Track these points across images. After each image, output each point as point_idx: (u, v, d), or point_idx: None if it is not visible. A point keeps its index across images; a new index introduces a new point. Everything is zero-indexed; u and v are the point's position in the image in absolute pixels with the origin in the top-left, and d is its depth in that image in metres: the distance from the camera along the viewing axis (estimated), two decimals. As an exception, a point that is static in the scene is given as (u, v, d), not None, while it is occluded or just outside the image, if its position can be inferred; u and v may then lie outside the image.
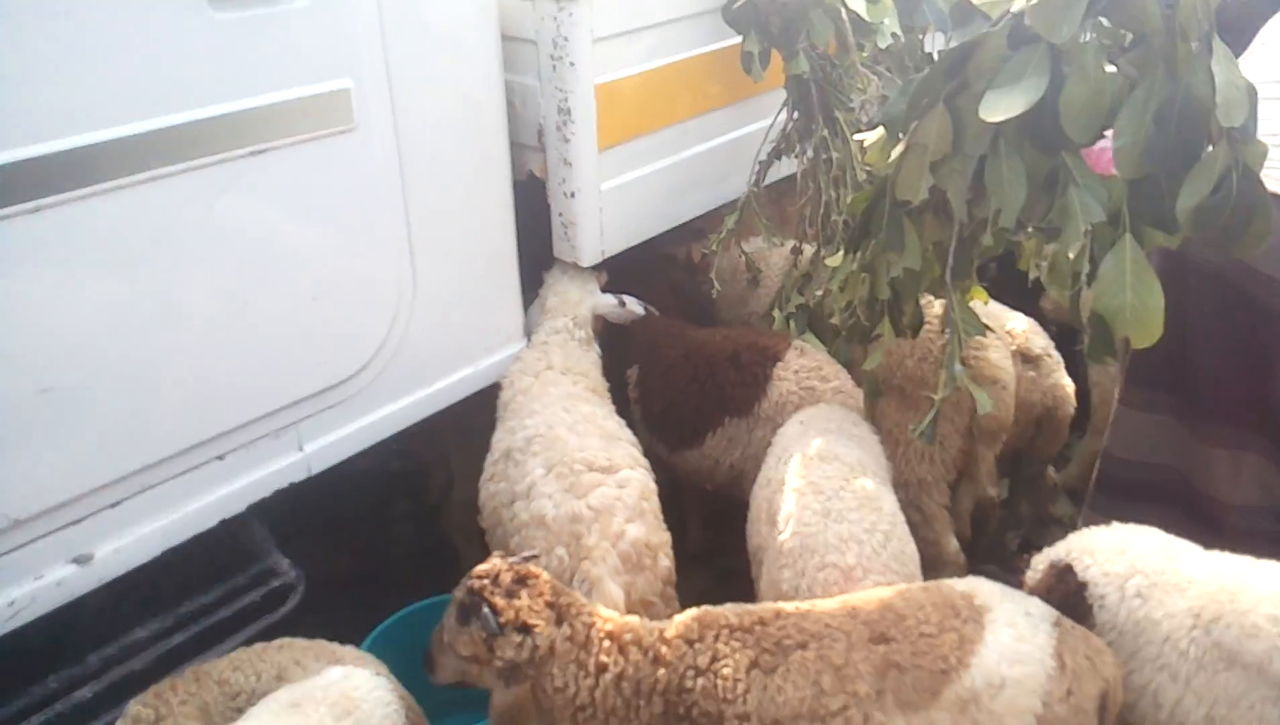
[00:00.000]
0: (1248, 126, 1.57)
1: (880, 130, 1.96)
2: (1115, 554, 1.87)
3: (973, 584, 1.77)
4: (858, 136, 2.20)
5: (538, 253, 2.57)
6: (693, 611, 1.72)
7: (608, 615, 1.72)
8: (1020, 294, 2.96)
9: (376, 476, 2.87)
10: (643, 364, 2.65)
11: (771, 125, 2.68)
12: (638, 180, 2.54)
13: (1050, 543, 3.09)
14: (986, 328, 2.08)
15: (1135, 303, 1.65)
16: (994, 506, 2.78)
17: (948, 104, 1.76)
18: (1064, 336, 3.00)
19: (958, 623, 1.66)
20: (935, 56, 3.11)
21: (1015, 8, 1.69)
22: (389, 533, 3.11)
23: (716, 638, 1.66)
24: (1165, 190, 1.63)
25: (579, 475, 1.95)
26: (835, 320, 2.54)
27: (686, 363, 2.56)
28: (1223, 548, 1.95)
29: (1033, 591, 1.95)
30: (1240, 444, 2.25)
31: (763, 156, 2.69)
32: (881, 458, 2.25)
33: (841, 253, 2.25)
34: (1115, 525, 1.97)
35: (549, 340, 2.46)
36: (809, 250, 2.73)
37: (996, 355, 2.47)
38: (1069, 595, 1.88)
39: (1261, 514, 2.25)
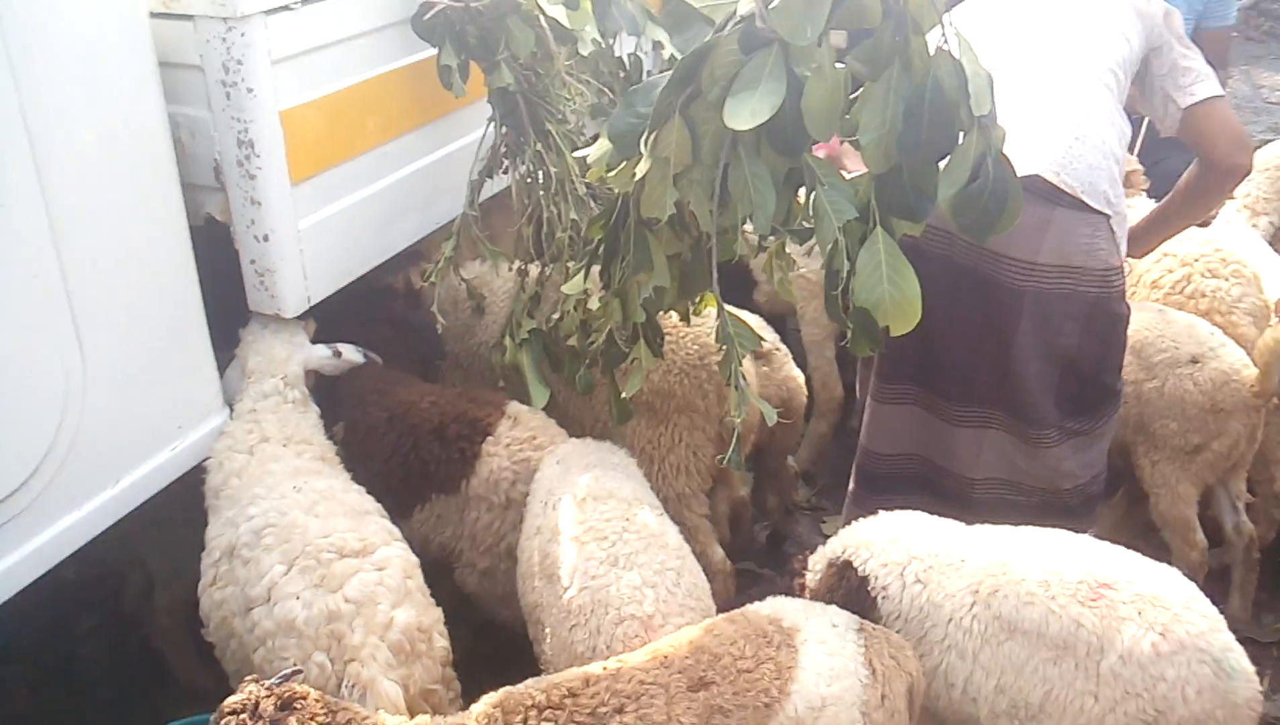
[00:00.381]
0: (992, 112, 1.61)
1: (603, 145, 1.86)
2: (890, 543, 1.89)
3: (776, 606, 1.71)
4: (578, 153, 2.08)
5: (229, 307, 2.23)
6: (490, 698, 1.53)
7: (394, 721, 1.49)
8: (732, 289, 2.99)
9: (49, 590, 2.41)
10: (348, 423, 2.38)
11: (482, 140, 2.49)
12: (340, 213, 2.27)
13: (796, 530, 3.22)
14: (760, 338, 2.04)
15: (894, 292, 1.67)
16: (745, 506, 2.79)
17: (682, 114, 1.69)
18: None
19: (771, 650, 1.58)
20: (626, 61, 3.10)
21: (743, 11, 1.64)
22: (75, 655, 2.63)
23: (525, 722, 1.48)
24: (908, 181, 1.65)
25: (329, 565, 1.68)
26: (573, 342, 2.42)
27: (390, 429, 2.31)
28: (970, 519, 2.03)
29: (815, 592, 1.94)
30: (982, 422, 2.38)
31: (474, 175, 2.50)
32: (646, 482, 2.15)
33: (581, 277, 2.14)
34: (882, 515, 1.98)
35: (258, 407, 2.14)
36: (534, 270, 2.58)
37: (748, 364, 2.45)
38: (852, 591, 1.88)
39: (1002, 484, 2.40)
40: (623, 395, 2.21)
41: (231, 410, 2.17)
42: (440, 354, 2.64)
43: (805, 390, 2.84)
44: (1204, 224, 3.34)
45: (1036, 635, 1.72)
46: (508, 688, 1.54)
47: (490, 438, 2.26)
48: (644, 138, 1.74)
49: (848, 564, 1.90)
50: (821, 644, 1.61)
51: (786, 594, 1.94)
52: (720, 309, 1.93)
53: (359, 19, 2.22)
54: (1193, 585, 1.75)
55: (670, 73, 1.71)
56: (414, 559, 1.82)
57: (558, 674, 1.57)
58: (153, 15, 1.91)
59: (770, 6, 1.57)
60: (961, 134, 1.62)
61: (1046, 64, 2.25)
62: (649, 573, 1.80)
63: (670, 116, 1.70)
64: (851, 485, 2.63)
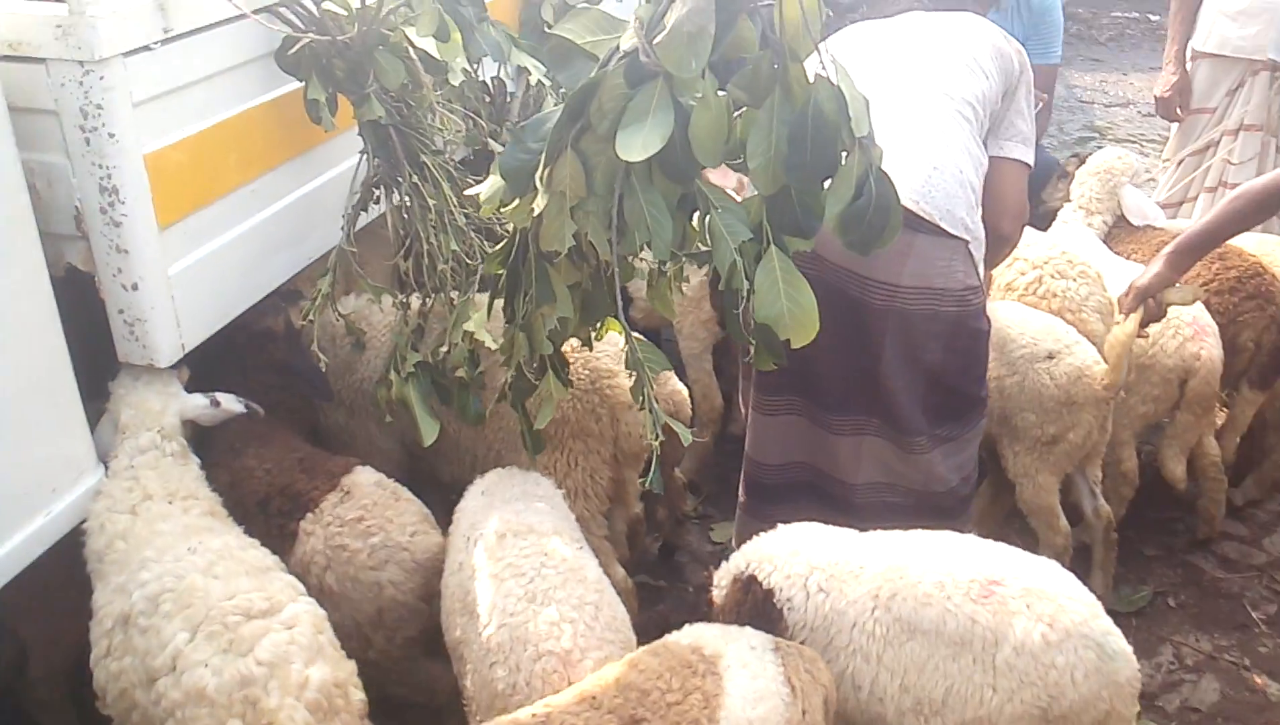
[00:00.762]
0: (871, 133, 1.71)
1: (495, 181, 1.87)
2: (791, 556, 1.96)
3: (695, 634, 1.75)
4: (470, 191, 2.08)
5: (96, 359, 2.12)
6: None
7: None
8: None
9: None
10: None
11: (357, 170, 2.44)
12: (211, 256, 2.18)
13: (687, 540, 3.27)
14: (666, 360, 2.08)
15: (792, 307, 1.75)
16: (640, 522, 2.82)
17: (575, 148, 1.72)
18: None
19: (697, 680, 1.62)
20: (490, 85, 3.09)
21: (626, 46, 1.68)
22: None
23: (455, 774, 1.47)
24: (797, 201, 1.75)
25: (236, 629, 1.62)
26: (462, 373, 2.41)
27: (230, 495, 2.18)
28: (853, 523, 2.13)
29: (722, 607, 1.99)
30: (859, 430, 2.49)
31: (349, 209, 2.45)
32: (569, 513, 2.16)
33: (484, 314, 2.20)
34: (781, 529, 2.05)
35: (135, 463, 2.04)
36: (415, 303, 2.55)
37: (625, 379, 2.48)
38: (758, 604, 1.94)
39: (881, 488, 2.51)
40: (535, 427, 2.22)
41: (107, 468, 2.07)
42: (328, 396, 2.57)
43: (689, 403, 2.90)
44: (1045, 226, 3.58)
45: (935, 634, 1.82)
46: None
47: (310, 515, 2.13)
48: (538, 173, 1.77)
49: (752, 578, 1.95)
50: (744, 668, 1.66)
51: (691, 608, 1.99)
52: (627, 335, 1.96)
53: (221, 56, 2.14)
54: (1071, 576, 1.89)
55: (560, 108, 1.74)
56: (322, 613, 1.78)
57: (490, 723, 1.56)
58: (-1, 58, 1.82)
59: (654, 42, 1.62)
60: (844, 154, 1.71)
61: (906, 96, 2.36)
62: (567, 608, 1.81)
63: (563, 151, 1.74)
64: (741, 497, 2.70)
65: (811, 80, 1.68)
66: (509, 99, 3.26)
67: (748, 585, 1.95)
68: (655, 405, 1.95)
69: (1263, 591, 3.12)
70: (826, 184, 1.75)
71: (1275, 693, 2.76)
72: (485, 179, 2.55)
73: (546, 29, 3.34)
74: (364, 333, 2.64)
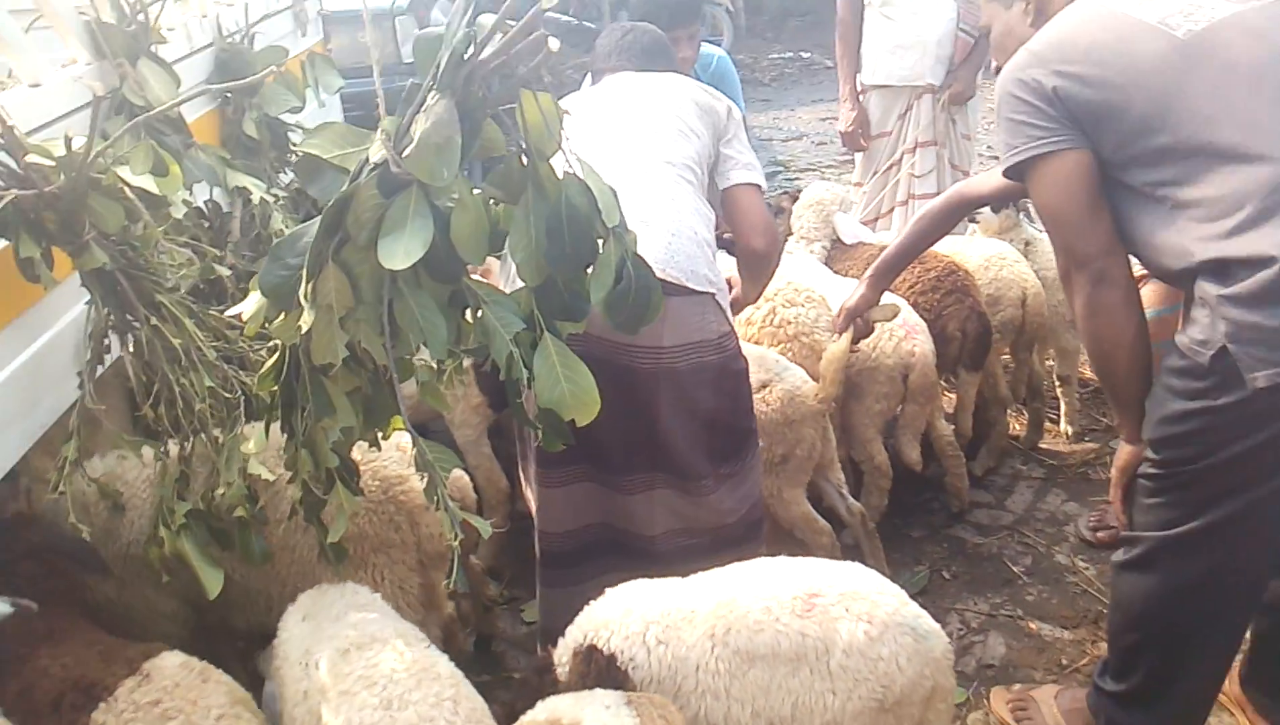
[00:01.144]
0: (622, 221, 1.84)
1: (256, 300, 1.85)
2: (625, 616, 2.02)
3: (550, 707, 1.78)
4: (231, 311, 2.02)
5: None
6: None
7: None
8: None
9: None
10: None
11: (87, 322, 2.29)
12: (-63, 446, 1.98)
13: (500, 627, 3.23)
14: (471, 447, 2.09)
15: (572, 388, 1.83)
16: (454, 622, 2.79)
17: (336, 260, 1.73)
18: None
19: None
20: (205, 210, 2.99)
21: (375, 158, 1.72)
22: None
23: None
24: (564, 288, 1.85)
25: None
26: (241, 512, 2.30)
27: (20, 705, 1.97)
28: (657, 569, 2.22)
29: (568, 683, 2.01)
30: (648, 485, 2.60)
31: (86, 365, 2.28)
32: (398, 615, 2.13)
33: (262, 436, 2.15)
34: (608, 593, 2.11)
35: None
36: (174, 450, 2.40)
37: (417, 482, 2.45)
38: (602, 670, 1.98)
39: (677, 534, 2.63)
40: (330, 538, 2.16)
41: None
42: (103, 569, 2.35)
43: (473, 491, 2.90)
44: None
45: (772, 656, 1.93)
46: None
47: (103, 705, 1.93)
48: (301, 289, 1.75)
49: (592, 648, 1.99)
50: (604, 725, 1.69)
51: (534, 691, 2.00)
52: (414, 437, 1.96)
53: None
54: (875, 573, 2.05)
55: (313, 223, 1.75)
56: None
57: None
58: None
59: (404, 155, 1.66)
60: (600, 242, 1.82)
61: (633, 169, 2.53)
62: (425, 707, 1.79)
63: (325, 264, 1.75)
64: (539, 568, 2.73)
65: (561, 176, 1.79)
66: (227, 220, 3.17)
67: (589, 655, 1.98)
68: (450, 504, 1.95)
69: (1017, 547, 3.50)
70: (590, 270, 1.85)
71: (1048, 633, 3.09)
72: (225, 307, 2.51)
73: (249, 144, 3.30)
74: (120, 493, 2.46)
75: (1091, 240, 2.16)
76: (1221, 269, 1.92)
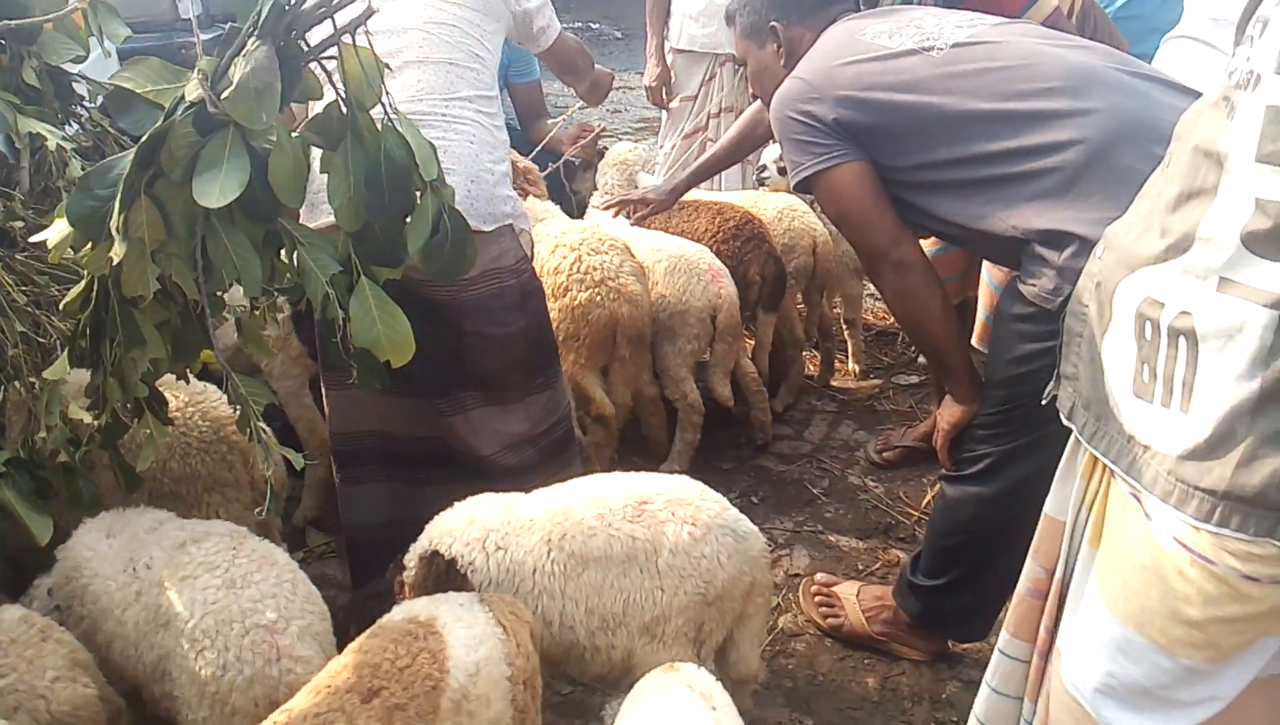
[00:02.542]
0: (440, 176, 1.91)
1: (62, 228, 1.84)
2: (467, 525, 2.14)
3: (405, 608, 1.88)
4: (36, 237, 1.96)
5: None
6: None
7: None
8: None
9: None
10: None
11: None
12: None
13: (328, 574, 3.26)
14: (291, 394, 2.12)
15: (388, 331, 1.88)
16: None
17: (148, 194, 1.75)
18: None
19: (420, 643, 1.74)
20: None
21: (191, 96, 1.74)
22: None
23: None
24: (382, 234, 1.90)
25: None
26: (64, 458, 2.26)
27: None
28: (505, 487, 2.35)
29: (413, 585, 2.12)
30: (462, 407, 2.69)
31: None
32: None
33: (64, 363, 2.04)
34: (457, 505, 2.21)
35: None
36: (-16, 399, 2.32)
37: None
38: (441, 574, 2.10)
39: (508, 450, 2.74)
40: (138, 468, 2.16)
41: None
42: None
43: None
44: (582, 214, 4.05)
45: (605, 558, 2.09)
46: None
47: None
48: (113, 221, 1.75)
49: (435, 553, 2.10)
50: (458, 621, 1.81)
51: (387, 596, 2.10)
52: (226, 372, 1.99)
53: None
54: (700, 483, 2.25)
55: (124, 156, 1.76)
56: None
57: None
58: None
59: (222, 97, 1.69)
60: (418, 195, 1.89)
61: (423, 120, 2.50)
62: (267, 586, 1.93)
63: (137, 197, 1.74)
64: (335, 467, 2.83)
65: (380, 126, 1.84)
66: (14, 170, 3.02)
67: (431, 559, 2.09)
68: (264, 436, 2.01)
69: (816, 472, 3.81)
70: (408, 221, 1.91)
71: (845, 544, 3.41)
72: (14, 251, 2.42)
73: (30, 94, 3.14)
74: (-74, 446, 2.35)
75: (881, 234, 2.43)
76: (1053, 238, 2.15)
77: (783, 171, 4.33)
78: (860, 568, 3.30)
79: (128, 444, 2.25)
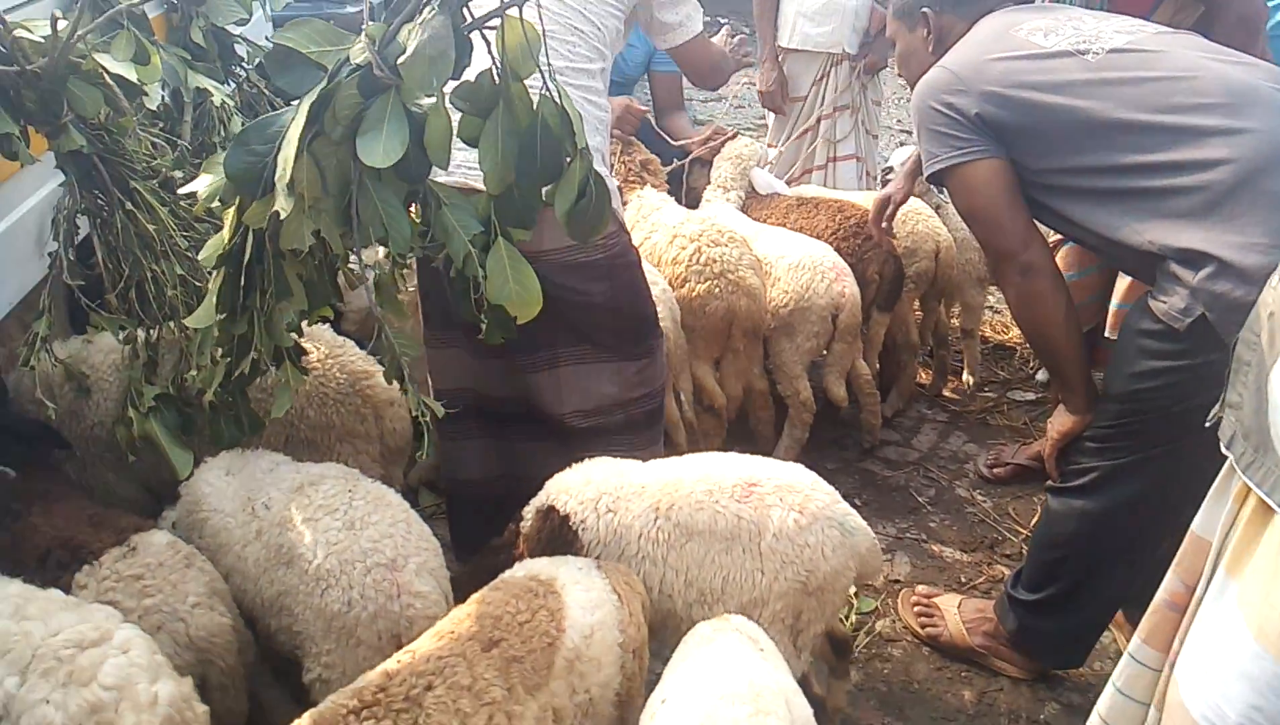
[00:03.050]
0: (588, 146, 1.97)
1: (214, 181, 1.94)
2: (584, 485, 2.22)
3: (527, 567, 1.94)
4: (185, 189, 2.07)
5: None
6: (301, 721, 1.56)
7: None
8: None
9: None
10: None
11: (60, 204, 2.32)
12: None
13: (440, 534, 3.35)
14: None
15: (518, 289, 1.96)
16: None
17: (308, 151, 1.82)
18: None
19: (540, 600, 1.80)
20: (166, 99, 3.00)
21: (357, 59, 1.81)
22: None
23: (348, 730, 1.54)
24: (520, 198, 1.98)
25: (73, 660, 1.56)
26: (210, 397, 2.37)
27: (8, 557, 2.03)
28: (589, 450, 2.38)
29: (527, 536, 2.18)
30: (551, 363, 2.71)
31: (59, 244, 2.32)
32: None
33: (211, 312, 2.10)
34: (575, 466, 2.28)
35: None
36: (142, 335, 2.46)
37: (382, 379, 2.56)
38: (555, 528, 2.17)
39: (592, 412, 2.76)
40: (273, 413, 2.24)
41: None
42: (66, 444, 2.40)
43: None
44: (693, 206, 4.06)
45: (709, 533, 2.12)
46: (313, 708, 1.58)
47: (87, 568, 1.99)
48: (280, 176, 1.84)
49: (550, 507, 2.17)
50: (577, 584, 1.86)
51: (507, 543, 2.18)
52: (380, 325, 2.07)
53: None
54: (813, 473, 2.25)
55: (283, 113, 1.84)
56: (148, 635, 1.74)
57: (358, 680, 1.63)
58: None
59: (399, 62, 1.76)
60: (568, 161, 1.94)
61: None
62: (383, 527, 2.03)
63: (300, 155, 1.82)
64: (435, 428, 2.83)
65: (539, 96, 1.89)
66: (178, 122, 3.19)
67: (547, 513, 2.17)
68: (412, 385, 2.08)
69: (922, 480, 3.77)
70: (555, 186, 1.96)
71: (949, 555, 3.37)
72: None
73: (195, 51, 3.30)
74: (86, 376, 2.50)
75: (1012, 236, 2.38)
76: (1190, 257, 2.10)
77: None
78: (963, 580, 3.25)
79: (254, 391, 2.36)
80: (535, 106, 1.90)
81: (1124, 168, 2.24)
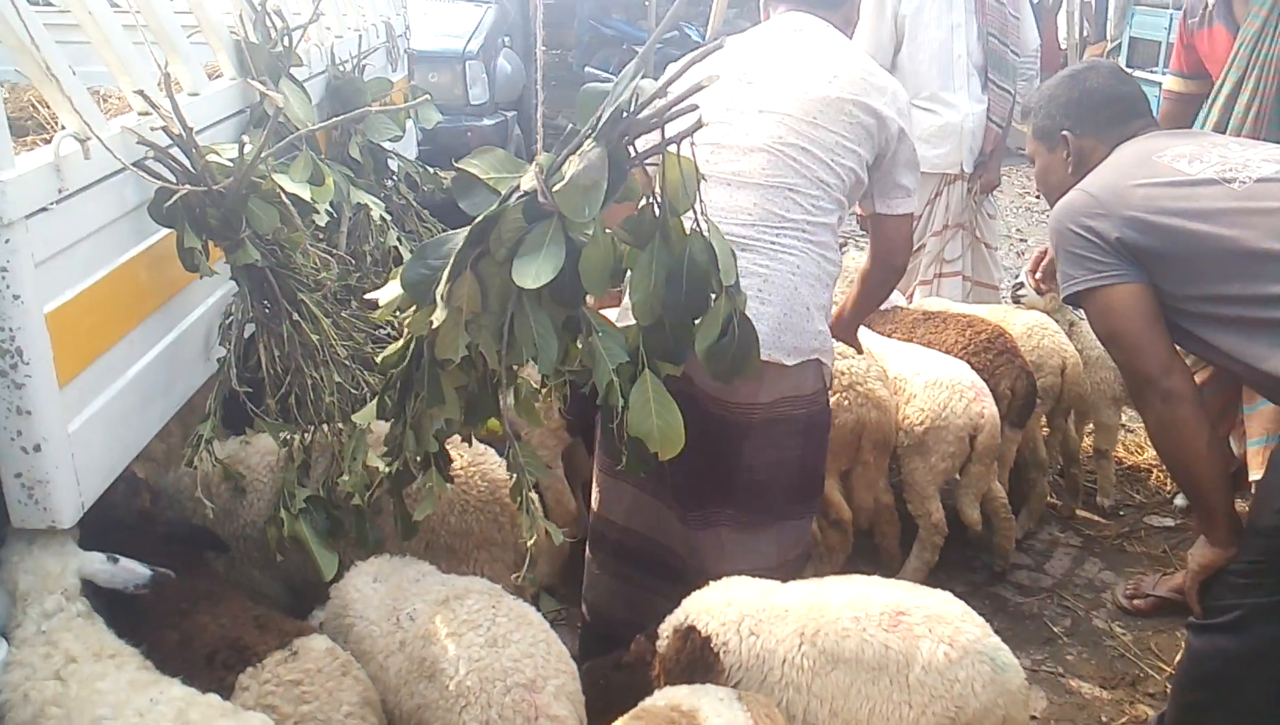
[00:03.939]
0: (737, 282, 1.99)
1: (394, 290, 2.04)
2: (725, 606, 2.19)
3: (668, 695, 1.95)
4: (370, 295, 2.19)
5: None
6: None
7: None
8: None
9: None
10: (149, 646, 2.09)
11: (228, 313, 2.47)
12: (106, 405, 2.15)
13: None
14: (547, 467, 2.23)
15: (661, 424, 1.96)
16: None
17: (473, 269, 1.90)
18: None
19: None
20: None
21: (526, 186, 1.90)
22: None
23: None
24: (670, 332, 2.01)
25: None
26: (357, 501, 2.44)
27: (178, 655, 2.09)
28: None
29: (664, 656, 2.17)
30: (717, 523, 2.68)
31: (229, 351, 2.46)
32: None
33: (373, 409, 2.23)
34: (713, 584, 2.27)
35: (48, 629, 1.94)
36: (298, 439, 2.56)
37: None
38: (696, 650, 2.15)
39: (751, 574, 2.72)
40: (414, 518, 2.31)
41: (9, 640, 1.95)
42: (223, 547, 2.51)
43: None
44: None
45: (855, 662, 2.07)
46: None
47: (251, 669, 2.03)
48: (440, 289, 1.92)
49: (691, 628, 2.15)
50: (719, 716, 1.85)
51: (639, 661, 2.16)
52: (509, 438, 2.12)
53: (105, 210, 2.16)
54: (962, 603, 2.19)
55: (459, 233, 1.93)
56: None
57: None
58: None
59: (554, 190, 1.84)
60: (713, 297, 1.98)
61: (757, 207, 2.49)
62: (524, 646, 2.04)
63: (463, 271, 1.92)
64: (590, 550, 2.88)
65: (689, 231, 1.95)
66: (334, 232, 3.36)
67: (686, 634, 2.15)
68: (533, 506, 2.12)
69: (1057, 609, 3.62)
70: (697, 321, 2.00)
71: (1088, 691, 3.21)
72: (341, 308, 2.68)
73: (352, 165, 3.48)
74: (243, 476, 2.61)
75: (1151, 361, 2.32)
76: None
77: (1040, 292, 4.21)
78: (1104, 720, 3.09)
79: (408, 497, 2.43)
80: (699, 240, 1.95)
81: (1271, 298, 2.18)
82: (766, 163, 2.48)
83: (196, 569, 2.32)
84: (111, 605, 2.11)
